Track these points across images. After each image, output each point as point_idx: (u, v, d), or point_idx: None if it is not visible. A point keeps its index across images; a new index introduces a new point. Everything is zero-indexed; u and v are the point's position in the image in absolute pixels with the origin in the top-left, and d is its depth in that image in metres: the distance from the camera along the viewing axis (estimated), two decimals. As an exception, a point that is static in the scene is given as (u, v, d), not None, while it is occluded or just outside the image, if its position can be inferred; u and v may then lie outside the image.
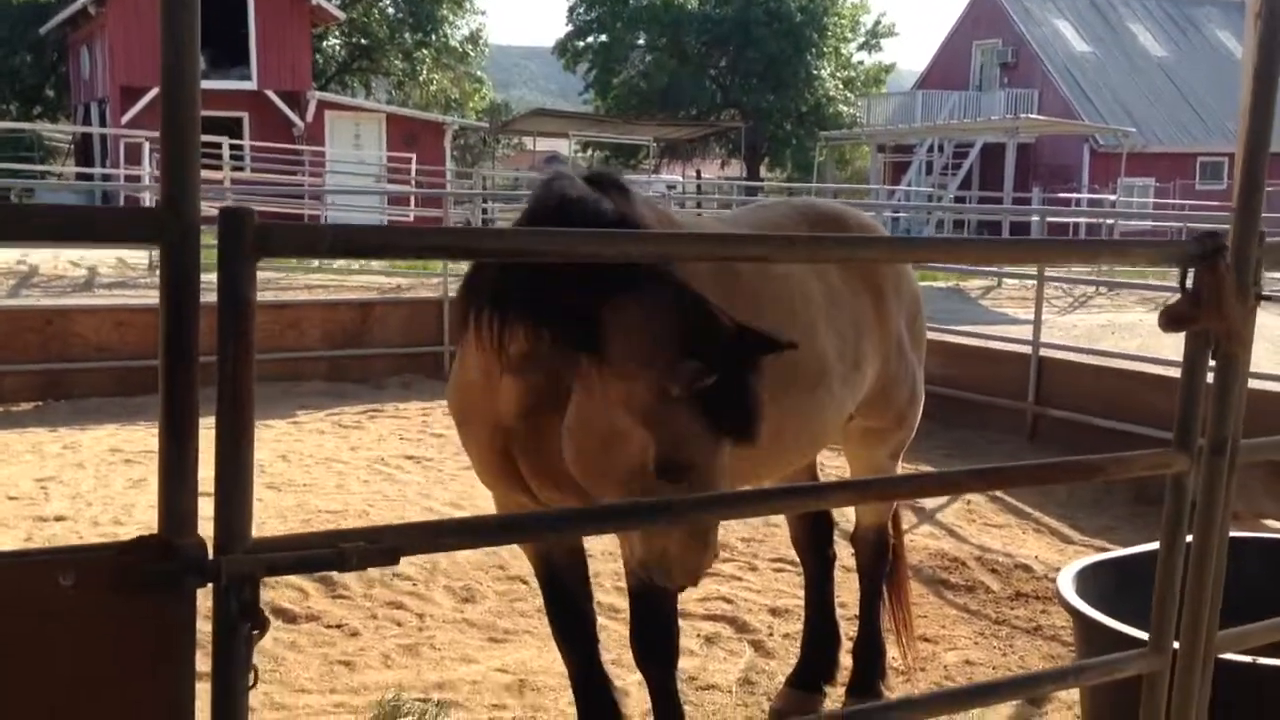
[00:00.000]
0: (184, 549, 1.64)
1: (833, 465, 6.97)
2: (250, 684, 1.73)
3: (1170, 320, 2.48)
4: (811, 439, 3.72)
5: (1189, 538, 2.63)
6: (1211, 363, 2.54)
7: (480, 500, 7.19)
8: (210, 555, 1.67)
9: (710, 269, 3.22)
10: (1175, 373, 8.21)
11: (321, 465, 7.93)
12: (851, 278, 3.80)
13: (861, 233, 4.00)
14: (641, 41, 47.72)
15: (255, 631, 1.71)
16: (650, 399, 2.53)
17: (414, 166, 27.04)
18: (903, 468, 4.82)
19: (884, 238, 4.07)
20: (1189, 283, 2.44)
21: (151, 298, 11.69)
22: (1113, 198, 29.12)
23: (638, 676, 4.36)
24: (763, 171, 48.13)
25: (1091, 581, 3.89)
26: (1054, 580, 5.61)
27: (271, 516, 6.48)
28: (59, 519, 6.47)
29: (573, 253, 1.92)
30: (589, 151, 46.09)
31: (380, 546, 1.77)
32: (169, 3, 1.56)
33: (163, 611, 1.65)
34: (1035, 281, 10.39)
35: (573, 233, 2.02)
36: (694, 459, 2.56)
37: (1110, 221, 22.92)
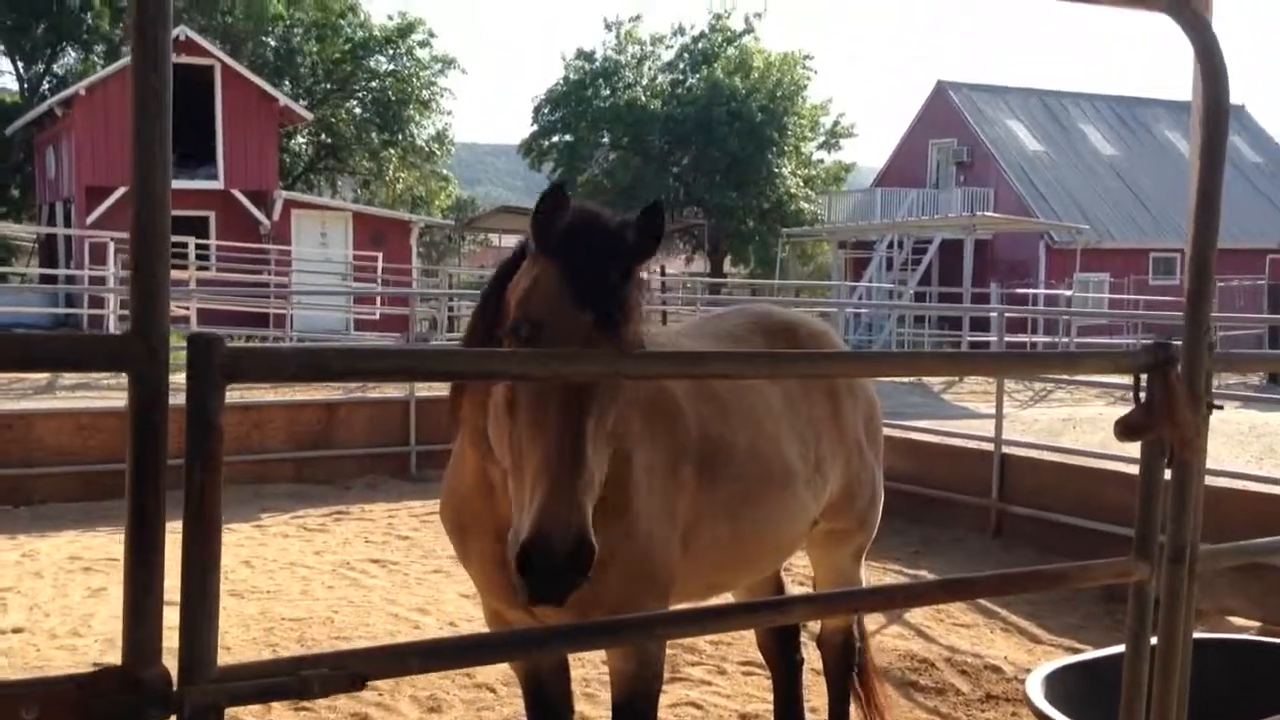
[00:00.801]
0: (148, 682, 1.63)
1: (798, 564, 6.97)
2: (216, 816, 1.70)
3: (1125, 430, 2.53)
4: (780, 545, 3.75)
5: (1154, 640, 2.65)
6: (1168, 471, 2.58)
7: (448, 605, 7.13)
8: (174, 686, 1.65)
9: (686, 384, 3.31)
10: (1135, 470, 8.30)
11: (285, 570, 7.83)
12: (807, 382, 3.86)
13: (813, 341, 4.09)
14: (606, 140, 48.48)
15: (219, 762, 1.68)
16: None
17: (380, 265, 27.16)
18: (868, 566, 4.83)
19: (845, 353, 4.15)
20: (1142, 392, 2.50)
21: (114, 400, 11.60)
22: (1069, 293, 29.63)
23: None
24: (726, 266, 48.68)
25: (1060, 685, 3.89)
26: (1023, 682, 5.62)
27: (234, 625, 6.38)
28: (16, 631, 6.34)
29: (534, 375, 1.95)
30: (554, 248, 46.41)
31: (345, 673, 1.76)
32: (142, 136, 1.59)
33: (125, 744, 1.63)
34: (900, 377, 10.52)
35: (538, 354, 2.04)
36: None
37: (1067, 318, 23.27)
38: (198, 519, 1.67)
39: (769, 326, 4.07)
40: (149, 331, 1.62)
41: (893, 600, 2.04)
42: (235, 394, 13.07)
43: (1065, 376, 11.68)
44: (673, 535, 3.21)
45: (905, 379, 18.32)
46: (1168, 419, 2.48)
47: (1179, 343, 2.54)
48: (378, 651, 1.84)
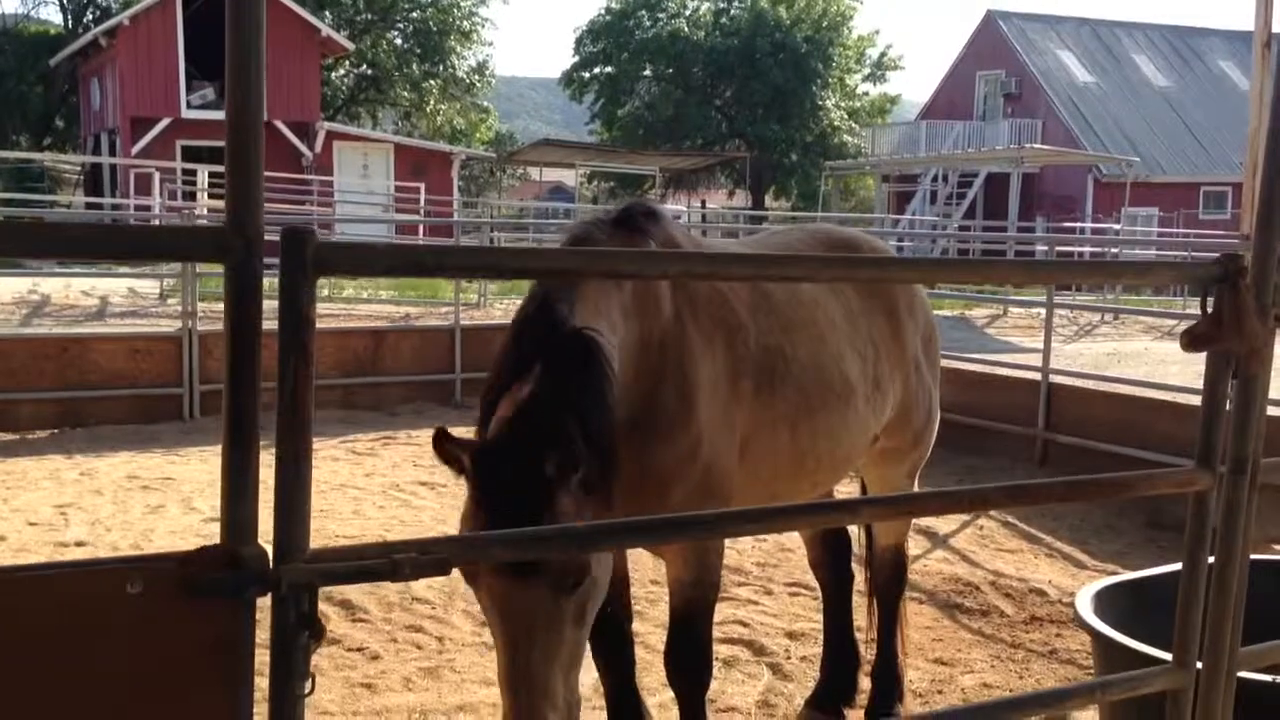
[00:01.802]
0: (247, 559, 1.70)
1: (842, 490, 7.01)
2: (308, 691, 1.78)
3: (1192, 340, 2.53)
4: (839, 460, 3.79)
5: (1210, 558, 2.67)
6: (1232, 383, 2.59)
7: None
8: (270, 565, 1.72)
9: (748, 296, 3.33)
10: (1184, 399, 8.27)
11: (337, 491, 7.98)
12: (867, 300, 3.90)
13: (875, 255, 4.09)
14: (648, 73, 48.07)
15: (312, 640, 1.75)
16: None
17: (422, 196, 27.21)
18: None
19: (916, 259, 4.16)
20: (1209, 304, 2.50)
21: (165, 325, 11.76)
22: (1117, 227, 29.24)
23: (657, 699, 4.41)
24: (768, 201, 48.35)
25: (1108, 603, 3.92)
26: (1068, 605, 5.66)
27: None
28: (79, 544, 6.52)
29: (616, 271, 1.98)
30: (594, 181, 46.34)
31: (432, 557, 1.82)
32: (234, 29, 1.63)
33: (225, 618, 1.70)
34: (1041, 310, 10.46)
35: (616, 252, 2.08)
36: None
37: (1115, 250, 22.99)
38: (292, 409, 1.73)
39: (830, 242, 4.11)
40: (245, 226, 1.67)
41: (959, 504, 2.07)
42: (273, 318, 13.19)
43: (1113, 297, 11.59)
44: (732, 447, 3.28)
45: (950, 312, 18.22)
46: (1235, 330, 2.47)
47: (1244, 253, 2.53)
48: (462, 539, 1.90)
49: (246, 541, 1.71)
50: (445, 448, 2.59)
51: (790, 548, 6.64)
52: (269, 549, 1.75)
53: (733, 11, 47.76)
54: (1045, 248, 21.98)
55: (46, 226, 1.59)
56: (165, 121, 27.86)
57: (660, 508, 3.00)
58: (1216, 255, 2.56)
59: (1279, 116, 2.61)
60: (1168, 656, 2.73)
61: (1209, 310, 2.51)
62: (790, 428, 3.47)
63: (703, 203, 44.99)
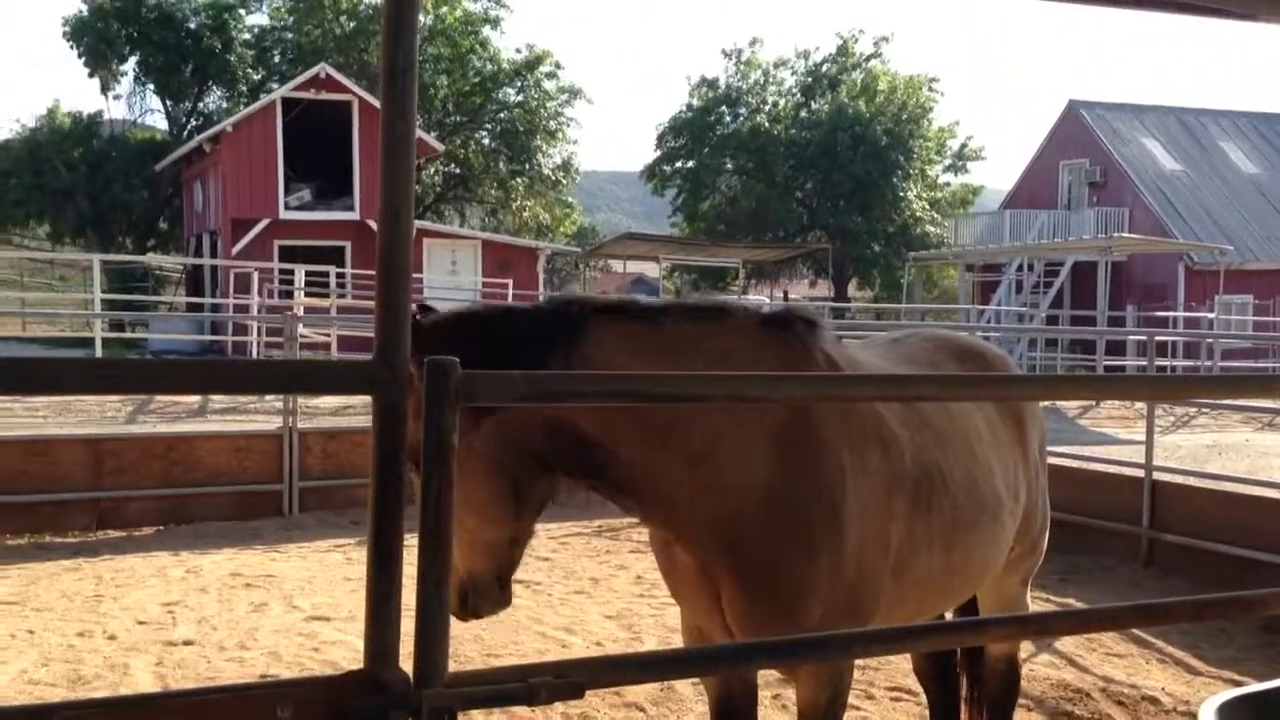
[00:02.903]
0: (390, 684, 1.74)
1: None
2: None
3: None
4: (985, 575, 3.74)
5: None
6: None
7: (592, 625, 7.25)
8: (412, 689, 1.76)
9: (901, 407, 3.27)
10: (1295, 497, 8.00)
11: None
12: (1001, 409, 3.85)
13: (1001, 364, 4.10)
14: (729, 166, 48.64)
15: (451, 759, 1.79)
16: None
17: (510, 291, 27.68)
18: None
19: (1041, 375, 4.16)
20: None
21: (264, 424, 12.05)
22: (1210, 315, 28.65)
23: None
24: (850, 291, 48.30)
25: (1230, 716, 3.80)
26: (1184, 714, 5.48)
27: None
28: (187, 643, 6.64)
29: (742, 395, 2.02)
30: (676, 273, 46.73)
31: (567, 681, 1.85)
32: (391, 179, 1.71)
33: (369, 742, 1.74)
34: (1134, 401, 10.26)
35: (745, 378, 2.12)
36: None
37: (1209, 341, 22.51)
38: (434, 534, 1.79)
39: (958, 352, 4.05)
40: (393, 358, 1.75)
41: (1088, 624, 2.05)
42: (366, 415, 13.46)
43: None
44: (884, 567, 3.16)
45: (1040, 403, 17.94)
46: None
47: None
48: (597, 662, 1.93)
49: (390, 667, 1.76)
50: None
51: (890, 651, 6.53)
52: (409, 671, 1.79)
53: (814, 105, 48.30)
54: (1139, 338, 21.63)
55: (210, 364, 1.68)
56: (264, 222, 28.82)
57: (800, 621, 2.95)
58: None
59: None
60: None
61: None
62: (945, 547, 3.36)
63: (785, 294, 45.07)
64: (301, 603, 7.54)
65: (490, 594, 2.97)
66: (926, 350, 4.01)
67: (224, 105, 42.15)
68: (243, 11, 42.65)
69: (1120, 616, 2.12)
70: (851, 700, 5.93)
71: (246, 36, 42.80)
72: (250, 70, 42.59)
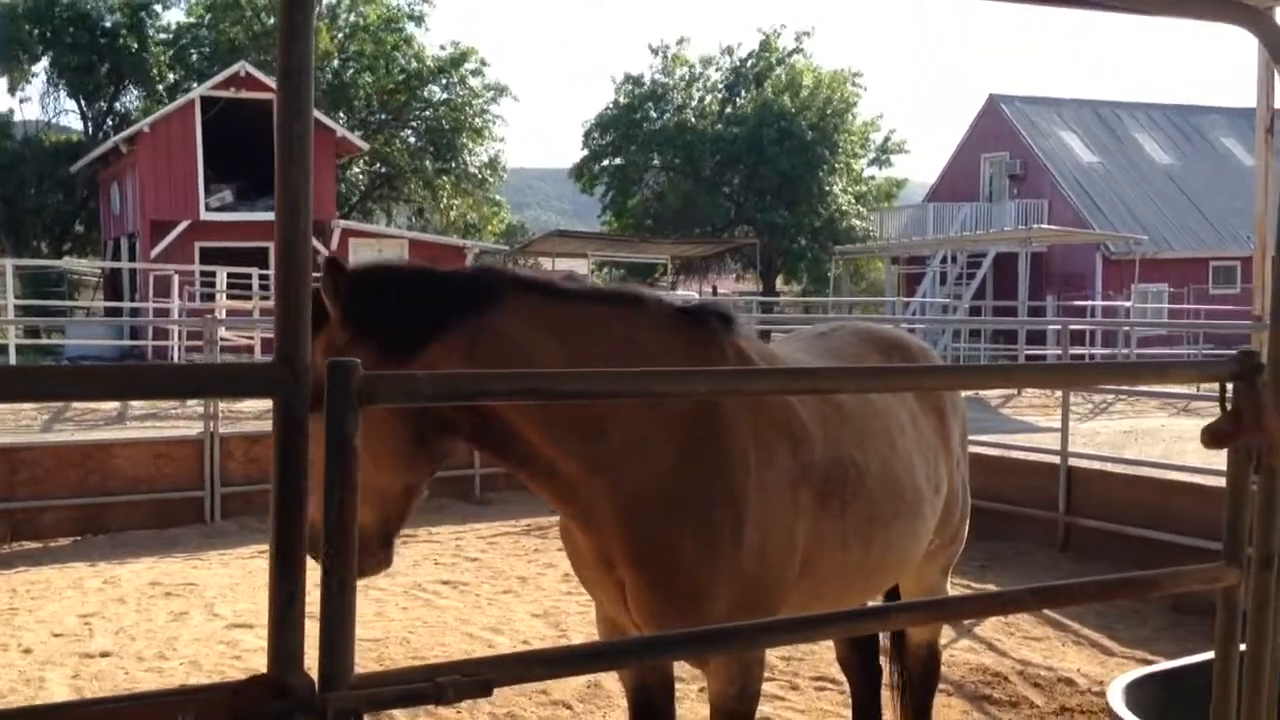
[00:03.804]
0: (295, 688, 1.73)
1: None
2: (355, 816, 1.79)
3: (1213, 438, 2.57)
4: (903, 569, 3.77)
5: (1242, 647, 2.68)
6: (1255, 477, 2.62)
7: (520, 624, 7.23)
8: (317, 692, 1.76)
9: (817, 404, 3.26)
10: (1207, 480, 8.24)
11: (358, 592, 7.94)
12: (923, 401, 3.89)
13: (924, 356, 4.15)
14: (656, 163, 48.75)
15: (359, 763, 1.78)
16: None
17: (436, 291, 27.45)
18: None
19: (955, 366, 4.22)
20: (1228, 400, 2.54)
21: (184, 429, 11.83)
22: (1127, 304, 29.30)
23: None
24: (778, 285, 48.66)
25: (1140, 695, 3.90)
26: (1098, 694, 5.61)
27: (312, 645, 6.49)
28: (104, 654, 6.51)
29: (648, 390, 2.03)
30: (605, 270, 46.75)
31: (475, 679, 1.86)
32: (287, 180, 1.70)
33: (273, 747, 1.73)
34: (1054, 390, 10.47)
35: (652, 373, 2.13)
36: None
37: (1126, 329, 23.03)
38: (337, 534, 1.78)
39: (883, 345, 4.09)
40: (294, 359, 1.73)
41: (991, 607, 2.10)
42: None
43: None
44: (789, 562, 3.15)
45: (962, 393, 18.23)
46: (1254, 426, 2.52)
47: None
48: (506, 659, 1.94)
49: (294, 671, 1.75)
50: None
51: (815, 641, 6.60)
52: (314, 675, 1.78)
53: (739, 101, 48.57)
54: (1058, 328, 22.06)
55: (92, 370, 1.64)
56: (184, 224, 28.29)
57: (704, 616, 2.96)
58: (1233, 353, 2.61)
59: (1285, 216, 2.68)
60: (1204, 753, 2.72)
61: (1228, 407, 2.55)
62: (862, 541, 3.35)
63: (714, 289, 45.27)
64: (223, 610, 7.43)
65: (374, 550, 2.89)
66: (851, 344, 4.03)
67: (141, 105, 41.28)
68: (159, 9, 41.83)
69: (1024, 600, 2.17)
70: (776, 690, 6.00)
71: (163, 35, 41.98)
72: (167, 69, 41.75)
